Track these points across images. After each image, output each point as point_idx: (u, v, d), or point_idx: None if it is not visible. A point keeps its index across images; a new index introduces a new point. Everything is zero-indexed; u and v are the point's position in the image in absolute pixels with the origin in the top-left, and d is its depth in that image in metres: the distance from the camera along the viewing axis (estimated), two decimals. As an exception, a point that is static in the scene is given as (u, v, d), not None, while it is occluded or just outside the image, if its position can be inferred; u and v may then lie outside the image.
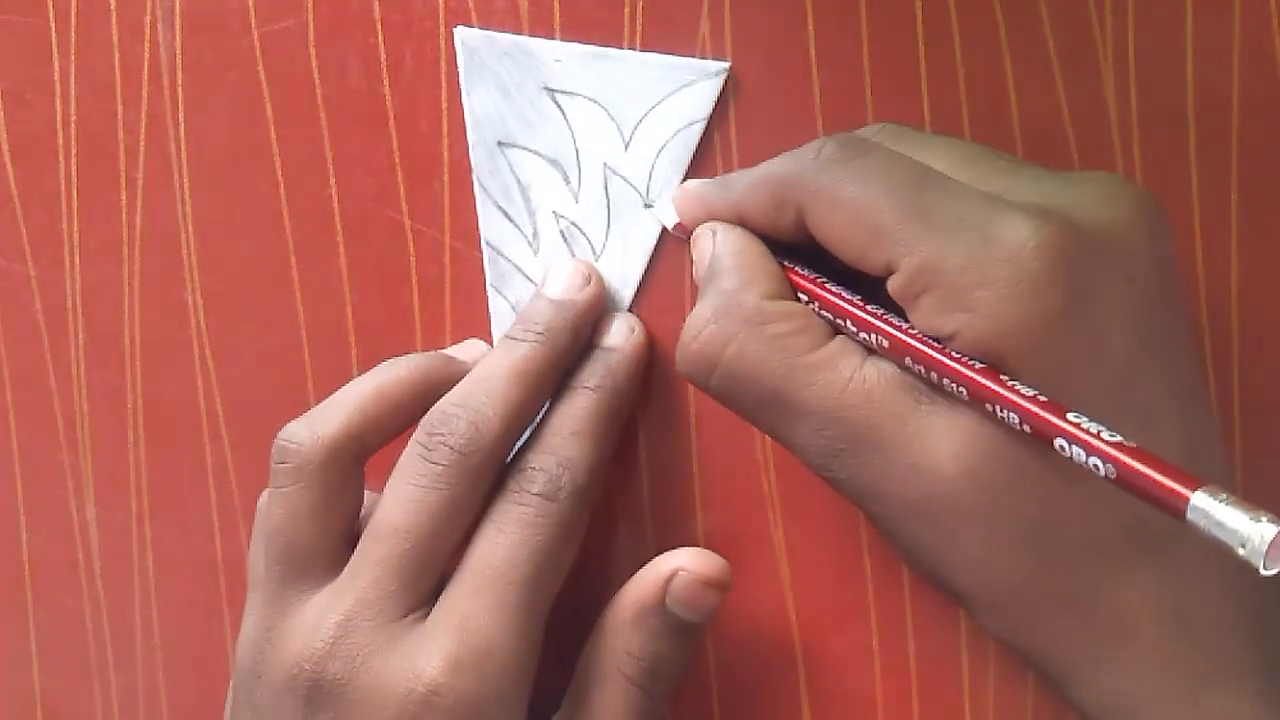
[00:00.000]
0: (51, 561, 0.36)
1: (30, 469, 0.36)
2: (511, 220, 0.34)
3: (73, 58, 0.36)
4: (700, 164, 0.32)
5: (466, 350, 0.34)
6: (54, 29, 0.35)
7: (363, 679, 0.28)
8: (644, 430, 0.34)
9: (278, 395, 0.35)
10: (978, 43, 0.32)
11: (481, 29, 0.33)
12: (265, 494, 0.31)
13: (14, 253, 0.36)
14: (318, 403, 0.35)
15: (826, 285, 0.28)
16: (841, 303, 0.27)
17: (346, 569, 0.30)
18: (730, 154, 0.33)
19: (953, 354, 0.25)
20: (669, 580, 0.30)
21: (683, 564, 0.30)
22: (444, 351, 0.33)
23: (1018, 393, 0.23)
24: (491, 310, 0.34)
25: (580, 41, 0.33)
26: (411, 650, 0.28)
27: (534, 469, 0.30)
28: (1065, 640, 0.26)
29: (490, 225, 0.34)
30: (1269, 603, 0.27)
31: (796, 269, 0.29)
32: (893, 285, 0.26)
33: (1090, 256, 0.24)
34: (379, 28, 0.34)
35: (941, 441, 0.25)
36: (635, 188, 0.33)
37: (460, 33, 0.33)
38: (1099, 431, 0.22)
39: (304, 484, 0.30)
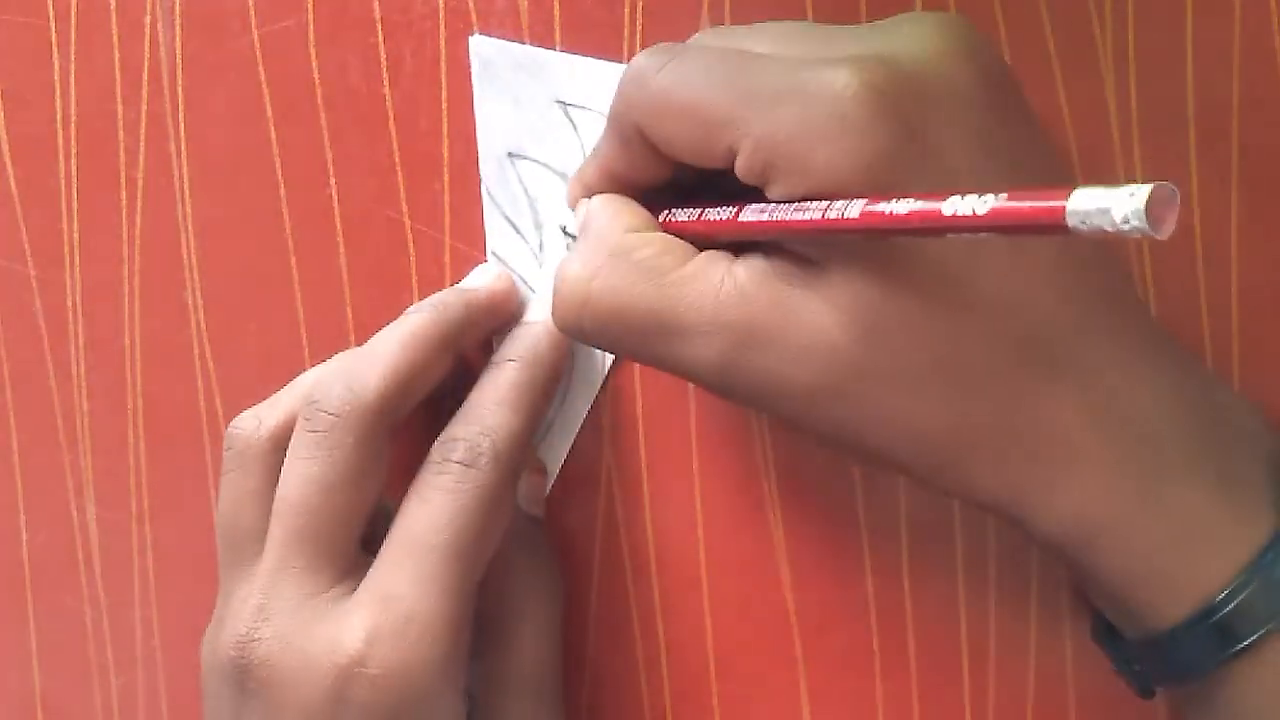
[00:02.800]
0: (51, 561, 0.36)
1: (30, 469, 0.36)
2: (518, 231, 0.34)
3: (73, 58, 0.36)
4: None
5: (484, 281, 0.34)
6: (54, 29, 0.35)
7: (289, 659, 0.28)
8: (644, 431, 0.34)
9: (278, 395, 0.35)
10: (978, 43, 0.32)
11: (495, 38, 0.33)
12: (241, 418, 0.32)
13: (14, 253, 0.36)
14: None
15: (704, 211, 0.28)
16: (704, 217, 0.27)
17: (264, 552, 0.30)
18: (730, 154, 0.33)
19: (816, 206, 0.24)
20: None
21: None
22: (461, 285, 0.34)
23: (888, 197, 0.23)
24: None
25: (581, 43, 0.33)
26: (334, 625, 0.28)
27: (455, 439, 0.30)
28: (1010, 475, 0.25)
29: (497, 236, 0.34)
30: (1202, 388, 0.27)
31: (674, 211, 0.29)
32: (739, 170, 0.26)
33: (913, 90, 0.25)
34: (379, 28, 0.34)
35: (824, 314, 0.25)
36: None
37: (474, 42, 0.33)
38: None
39: (244, 470, 0.30)
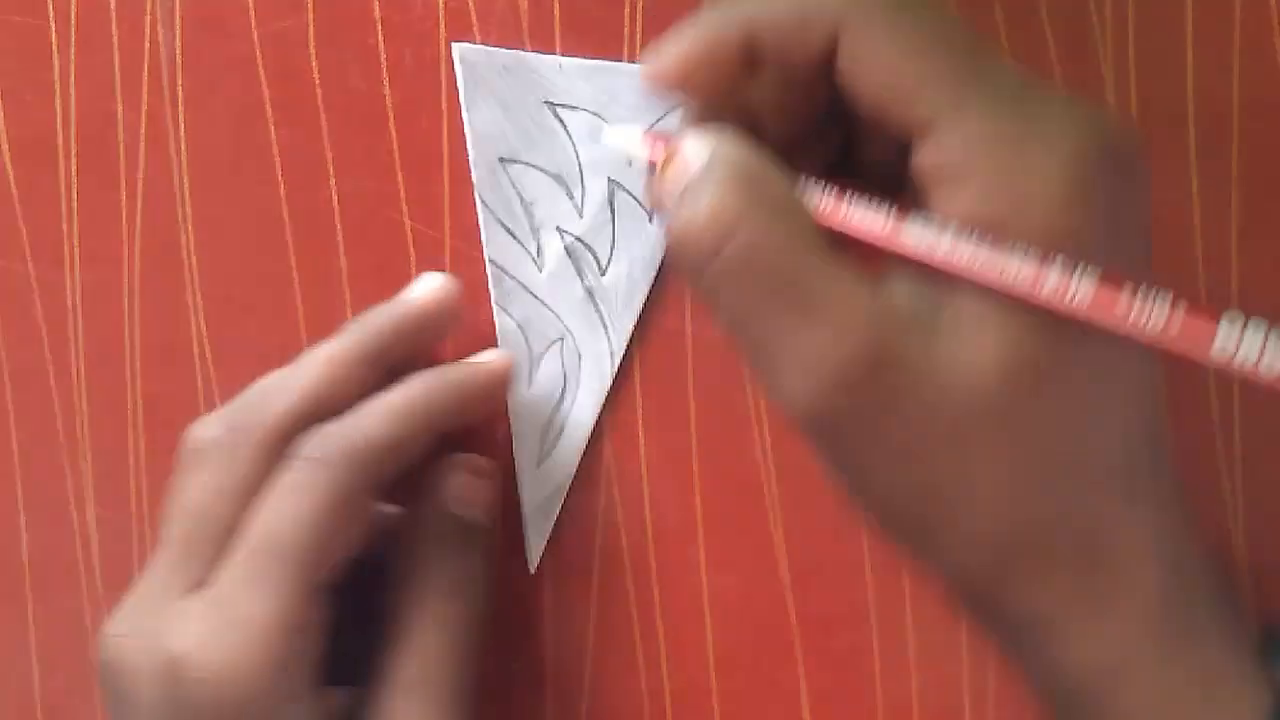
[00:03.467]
0: (51, 561, 0.36)
1: (30, 469, 0.36)
2: (515, 237, 0.33)
3: (73, 58, 0.36)
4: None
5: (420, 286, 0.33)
6: (54, 29, 0.35)
7: (132, 657, 0.28)
8: (644, 430, 0.34)
9: (278, 395, 0.35)
10: (978, 43, 0.32)
11: (480, 44, 0.33)
12: (199, 423, 0.32)
13: (14, 253, 0.36)
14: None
15: (856, 204, 0.24)
16: (876, 225, 0.24)
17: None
18: (730, 154, 0.33)
19: (1012, 261, 0.22)
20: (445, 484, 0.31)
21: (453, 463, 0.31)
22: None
23: (1125, 283, 0.22)
24: (498, 329, 0.34)
25: (581, 43, 0.33)
26: (170, 625, 0.28)
27: (321, 432, 0.29)
28: (1061, 589, 0.24)
29: (494, 243, 0.34)
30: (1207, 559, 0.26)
31: (812, 191, 0.25)
32: (932, 151, 0.23)
33: (1122, 171, 0.24)
34: (379, 28, 0.34)
35: (970, 356, 0.23)
36: (640, 202, 0.33)
37: (459, 49, 0.33)
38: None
39: (190, 472, 0.30)
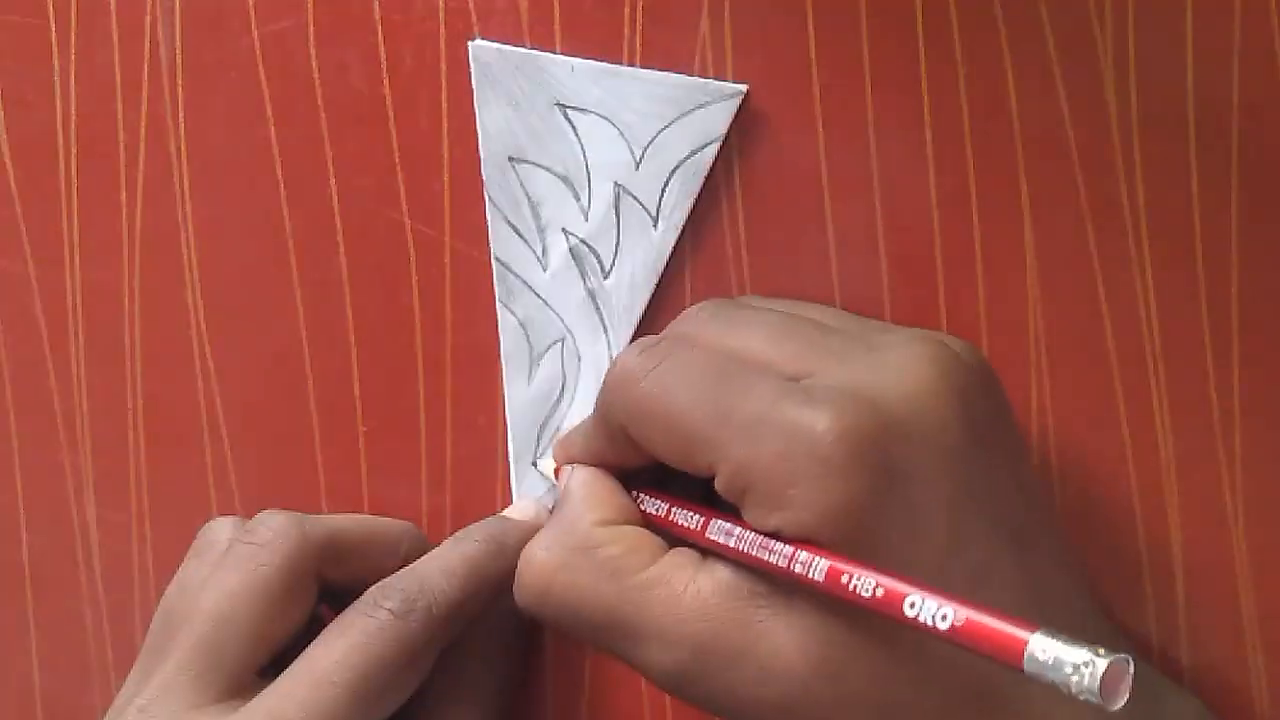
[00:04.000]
0: (51, 561, 0.36)
1: (30, 469, 0.36)
2: (521, 236, 0.33)
3: (73, 58, 0.36)
4: (709, 178, 0.32)
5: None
6: (54, 29, 0.35)
7: None
8: (644, 430, 0.34)
9: (278, 395, 0.35)
10: (978, 43, 0.32)
11: (493, 41, 0.33)
12: (215, 522, 0.32)
13: (14, 253, 0.36)
14: (317, 403, 0.35)
15: (671, 510, 0.28)
16: (673, 518, 0.28)
17: (170, 653, 0.29)
18: (730, 154, 0.33)
19: (783, 552, 0.25)
20: None
21: None
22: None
23: (856, 565, 0.24)
24: (500, 326, 0.34)
25: (580, 43, 0.33)
26: None
27: (394, 588, 0.29)
28: None
29: (500, 241, 0.34)
30: (1140, 714, 0.27)
31: (646, 498, 0.29)
32: (718, 487, 0.26)
33: (892, 434, 0.25)
34: (379, 28, 0.34)
35: (786, 641, 0.25)
36: (645, 207, 0.33)
37: (474, 47, 0.33)
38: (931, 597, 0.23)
39: (202, 561, 0.31)
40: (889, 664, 0.25)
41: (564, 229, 0.33)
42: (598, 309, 0.33)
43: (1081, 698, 0.20)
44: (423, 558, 0.31)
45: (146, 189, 0.35)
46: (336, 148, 0.35)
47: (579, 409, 0.34)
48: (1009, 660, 0.21)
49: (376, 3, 0.34)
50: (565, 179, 0.33)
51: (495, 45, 0.33)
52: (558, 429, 0.34)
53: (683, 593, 0.26)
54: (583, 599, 0.27)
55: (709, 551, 0.27)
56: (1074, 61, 0.31)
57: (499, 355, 0.34)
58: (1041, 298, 0.32)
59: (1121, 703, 0.20)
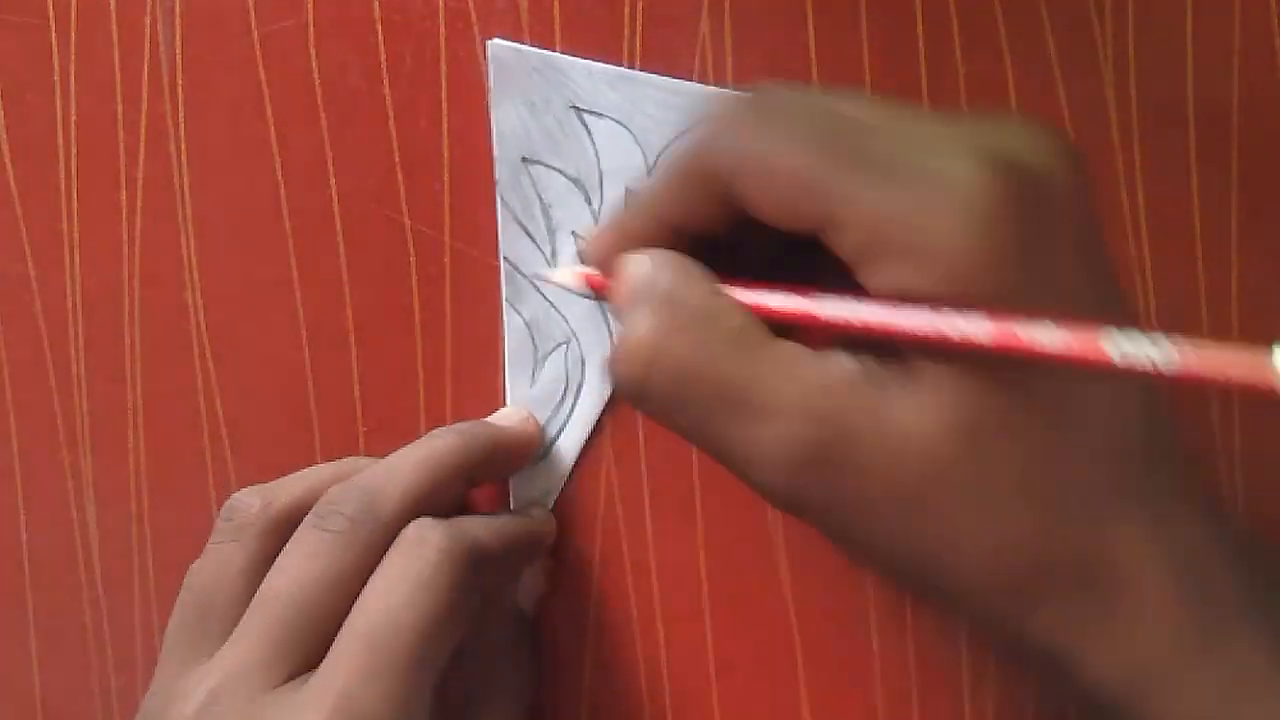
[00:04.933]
0: (51, 561, 0.36)
1: (30, 469, 0.36)
2: (531, 237, 0.33)
3: (73, 58, 0.36)
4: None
5: (510, 420, 0.34)
6: (54, 29, 0.35)
7: None
8: (644, 430, 0.34)
9: (278, 395, 0.35)
10: (978, 43, 0.32)
11: (511, 42, 0.33)
12: (196, 562, 0.31)
13: (14, 253, 0.36)
14: (317, 403, 0.35)
15: (774, 295, 0.26)
16: (776, 305, 0.25)
17: (232, 635, 0.28)
18: (730, 154, 0.33)
19: (913, 312, 0.23)
20: None
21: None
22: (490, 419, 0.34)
23: (1024, 316, 0.22)
24: (505, 325, 0.34)
25: (580, 43, 0.33)
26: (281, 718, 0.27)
27: (431, 525, 0.29)
28: (1075, 612, 0.24)
29: (510, 241, 0.34)
30: (1245, 538, 0.26)
31: (738, 289, 0.26)
32: (836, 243, 0.24)
33: (1039, 193, 0.23)
34: (379, 28, 0.34)
35: (918, 418, 0.23)
36: None
37: (492, 46, 0.33)
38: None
39: (241, 544, 0.29)
40: (1028, 430, 0.23)
41: (574, 232, 0.33)
42: (604, 313, 0.33)
43: None
44: (463, 514, 0.30)
45: (146, 189, 0.35)
46: (336, 148, 0.35)
47: (580, 413, 0.34)
48: (1260, 388, 0.18)
49: (376, 3, 0.34)
50: (578, 182, 0.33)
51: (513, 45, 0.33)
52: (558, 431, 0.34)
53: (807, 372, 0.24)
54: (700, 366, 0.25)
55: (814, 339, 0.25)
56: (1074, 61, 0.31)
57: (499, 355, 0.34)
58: (1041, 298, 0.32)
59: None
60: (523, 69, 0.33)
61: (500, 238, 0.34)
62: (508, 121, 0.33)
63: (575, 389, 0.34)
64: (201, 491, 0.36)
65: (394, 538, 0.29)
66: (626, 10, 0.33)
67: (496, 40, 0.33)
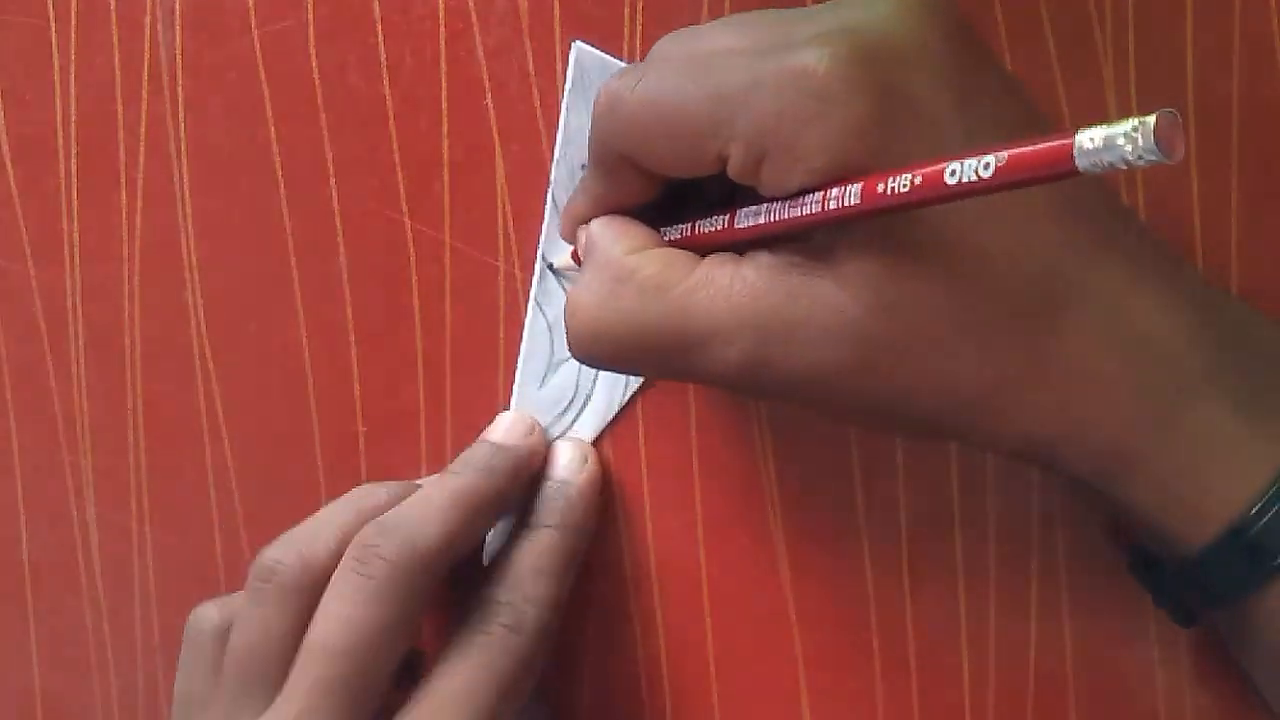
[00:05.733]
0: (51, 561, 0.36)
1: (30, 469, 0.36)
2: (572, 243, 0.33)
3: (73, 58, 0.36)
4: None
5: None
6: (54, 29, 0.35)
7: None
8: (644, 430, 0.34)
9: (278, 395, 0.35)
10: (978, 43, 0.32)
11: (595, 48, 0.33)
12: (201, 609, 0.31)
13: (14, 253, 0.36)
14: (317, 402, 0.35)
15: (695, 224, 0.28)
16: (699, 229, 0.28)
17: (282, 693, 0.28)
18: (730, 154, 0.33)
19: (813, 199, 0.24)
20: None
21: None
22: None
23: (884, 174, 0.23)
24: (527, 324, 0.34)
25: (588, 43, 0.33)
26: None
27: (500, 602, 0.30)
28: (1042, 417, 0.25)
29: (551, 242, 0.33)
30: (1215, 303, 0.27)
31: (668, 229, 0.29)
32: (732, 172, 0.26)
33: (881, 53, 0.24)
34: (379, 28, 0.34)
35: (839, 296, 0.25)
36: None
37: (577, 50, 0.33)
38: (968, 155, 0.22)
39: (282, 607, 0.29)
40: (946, 286, 0.25)
41: (547, 262, 0.33)
42: None
43: (1141, 162, 0.19)
44: (510, 561, 0.31)
45: (146, 189, 0.35)
46: (336, 148, 0.35)
47: (584, 423, 0.33)
48: (1061, 168, 0.20)
49: (376, 3, 0.34)
50: None
51: (600, 54, 0.33)
52: (564, 433, 0.34)
53: (729, 286, 0.26)
54: (634, 324, 0.27)
55: (743, 248, 0.27)
56: (1074, 61, 0.31)
57: (499, 355, 0.34)
58: (1041, 298, 0.32)
59: (1181, 154, 0.19)
60: (604, 74, 0.32)
61: (542, 239, 0.33)
62: (576, 126, 0.33)
63: (583, 400, 0.34)
64: (201, 492, 0.36)
65: (436, 575, 0.30)
66: (626, 10, 0.33)
67: (580, 44, 0.33)
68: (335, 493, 0.35)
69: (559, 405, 0.34)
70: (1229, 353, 0.26)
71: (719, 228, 0.27)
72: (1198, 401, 0.25)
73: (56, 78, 0.36)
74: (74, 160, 0.36)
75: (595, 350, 0.28)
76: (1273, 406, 0.26)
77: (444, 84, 0.34)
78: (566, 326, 0.28)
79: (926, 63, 0.25)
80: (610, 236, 0.28)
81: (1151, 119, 0.19)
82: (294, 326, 0.35)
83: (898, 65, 0.25)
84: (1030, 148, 0.21)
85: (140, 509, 0.36)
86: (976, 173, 0.21)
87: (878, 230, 0.25)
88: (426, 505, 0.30)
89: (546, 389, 0.33)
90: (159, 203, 0.35)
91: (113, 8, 0.35)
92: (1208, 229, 0.31)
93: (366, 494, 0.32)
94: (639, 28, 0.33)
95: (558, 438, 0.34)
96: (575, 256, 0.31)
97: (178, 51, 0.35)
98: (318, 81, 0.34)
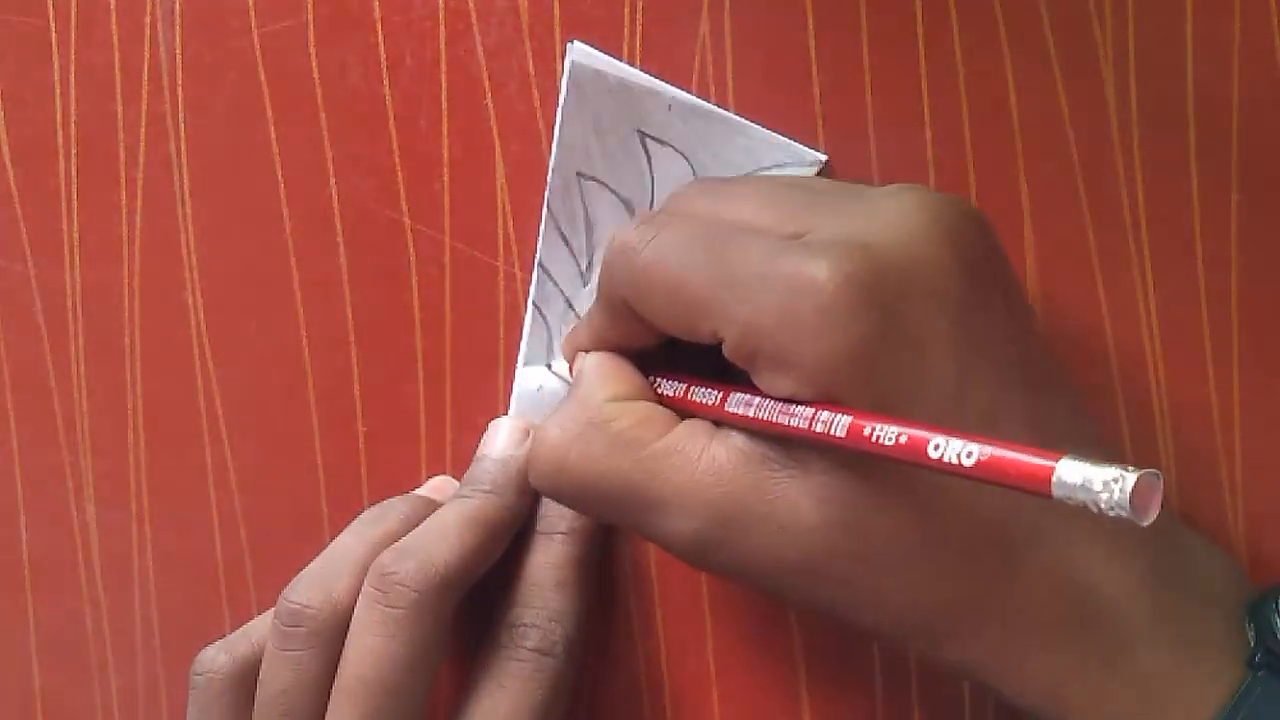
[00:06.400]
0: (51, 561, 0.36)
1: (30, 469, 0.36)
2: (570, 248, 0.33)
3: (73, 58, 0.36)
4: (700, 164, 0.32)
5: (438, 489, 0.34)
6: (54, 29, 0.35)
7: None
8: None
9: (278, 395, 0.35)
10: (978, 43, 0.32)
11: (593, 48, 0.33)
12: (206, 654, 0.31)
13: (14, 253, 0.36)
14: (317, 403, 0.35)
15: (690, 389, 0.28)
16: (691, 396, 0.28)
17: None
18: (730, 154, 0.33)
19: (803, 414, 0.25)
20: None
21: None
22: (418, 493, 0.34)
23: (876, 418, 0.24)
24: (526, 326, 0.34)
25: (587, 43, 0.33)
26: None
27: (527, 625, 0.30)
28: (984, 648, 0.26)
29: (549, 248, 0.33)
30: (1164, 546, 0.27)
31: (663, 381, 0.29)
32: (726, 353, 0.26)
33: (893, 279, 0.25)
34: (379, 28, 0.34)
35: (804, 502, 0.25)
36: None
37: (574, 54, 0.33)
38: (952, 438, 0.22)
39: (315, 651, 0.29)
40: (907, 515, 0.25)
41: None
42: None
43: (1112, 514, 0.19)
44: (528, 577, 0.31)
45: (146, 189, 0.35)
46: (336, 148, 0.35)
47: None
48: (1037, 488, 0.20)
49: (376, 3, 0.34)
50: (628, 204, 0.33)
51: (595, 62, 0.33)
52: None
53: (698, 460, 0.26)
54: (598, 473, 0.27)
55: (724, 423, 0.27)
56: (1074, 61, 0.31)
57: (499, 355, 0.34)
58: (1041, 297, 0.32)
59: (1153, 517, 0.19)
60: (599, 89, 0.32)
61: (540, 244, 0.33)
62: (571, 136, 0.33)
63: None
64: (201, 492, 0.36)
65: (457, 597, 0.30)
66: (626, 10, 0.33)
67: (579, 46, 0.33)
68: (335, 493, 0.35)
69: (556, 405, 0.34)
70: (1172, 593, 0.26)
71: (709, 403, 0.27)
72: (1139, 649, 0.26)
73: (56, 78, 0.36)
74: (74, 160, 0.36)
75: (556, 485, 0.28)
76: (1212, 642, 0.26)
77: (444, 84, 0.34)
78: (531, 456, 0.28)
79: (935, 297, 0.25)
80: (598, 378, 0.29)
81: (1133, 477, 0.19)
82: (294, 326, 0.35)
83: (907, 294, 0.25)
84: (1014, 456, 0.21)
85: (140, 509, 0.36)
86: (959, 457, 0.22)
87: (848, 468, 0.25)
88: (443, 530, 0.30)
89: (545, 392, 0.33)
90: (159, 203, 0.35)
91: (113, 8, 0.35)
92: (1208, 229, 0.31)
93: (376, 519, 0.32)
94: (639, 28, 0.33)
95: None
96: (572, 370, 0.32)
97: (178, 51, 0.35)
98: (318, 81, 0.34)
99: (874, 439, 0.23)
